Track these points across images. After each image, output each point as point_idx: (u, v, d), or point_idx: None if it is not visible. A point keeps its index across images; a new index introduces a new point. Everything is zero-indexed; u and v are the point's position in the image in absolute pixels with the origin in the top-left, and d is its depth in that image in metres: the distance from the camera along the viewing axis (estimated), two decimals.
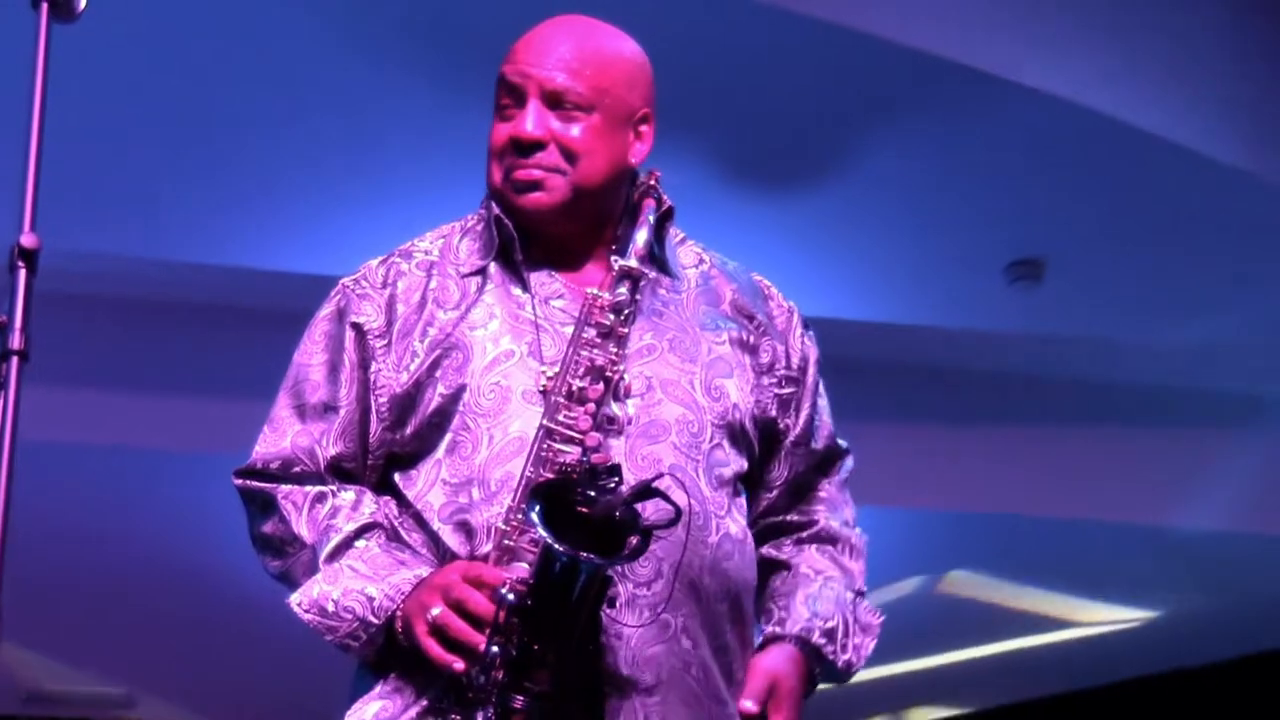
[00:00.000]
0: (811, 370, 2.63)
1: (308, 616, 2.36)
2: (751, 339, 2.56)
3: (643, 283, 2.45)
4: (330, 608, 2.35)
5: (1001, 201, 5.93)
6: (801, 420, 2.60)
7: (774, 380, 2.57)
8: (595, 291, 2.39)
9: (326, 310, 2.54)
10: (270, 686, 8.28)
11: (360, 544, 2.38)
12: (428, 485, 2.41)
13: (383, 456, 2.48)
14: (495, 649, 2.20)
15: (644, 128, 2.56)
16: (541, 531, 2.17)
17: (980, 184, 5.81)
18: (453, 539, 2.36)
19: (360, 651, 2.35)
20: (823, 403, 2.65)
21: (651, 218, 2.44)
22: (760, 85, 5.28)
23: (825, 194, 5.77)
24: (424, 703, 2.31)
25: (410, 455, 2.45)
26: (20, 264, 2.09)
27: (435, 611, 2.25)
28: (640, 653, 2.31)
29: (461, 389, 2.40)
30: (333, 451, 2.46)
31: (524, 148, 2.45)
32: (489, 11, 4.88)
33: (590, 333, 2.36)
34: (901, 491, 6.84)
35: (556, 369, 2.37)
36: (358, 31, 4.98)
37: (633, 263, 2.38)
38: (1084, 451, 7.19)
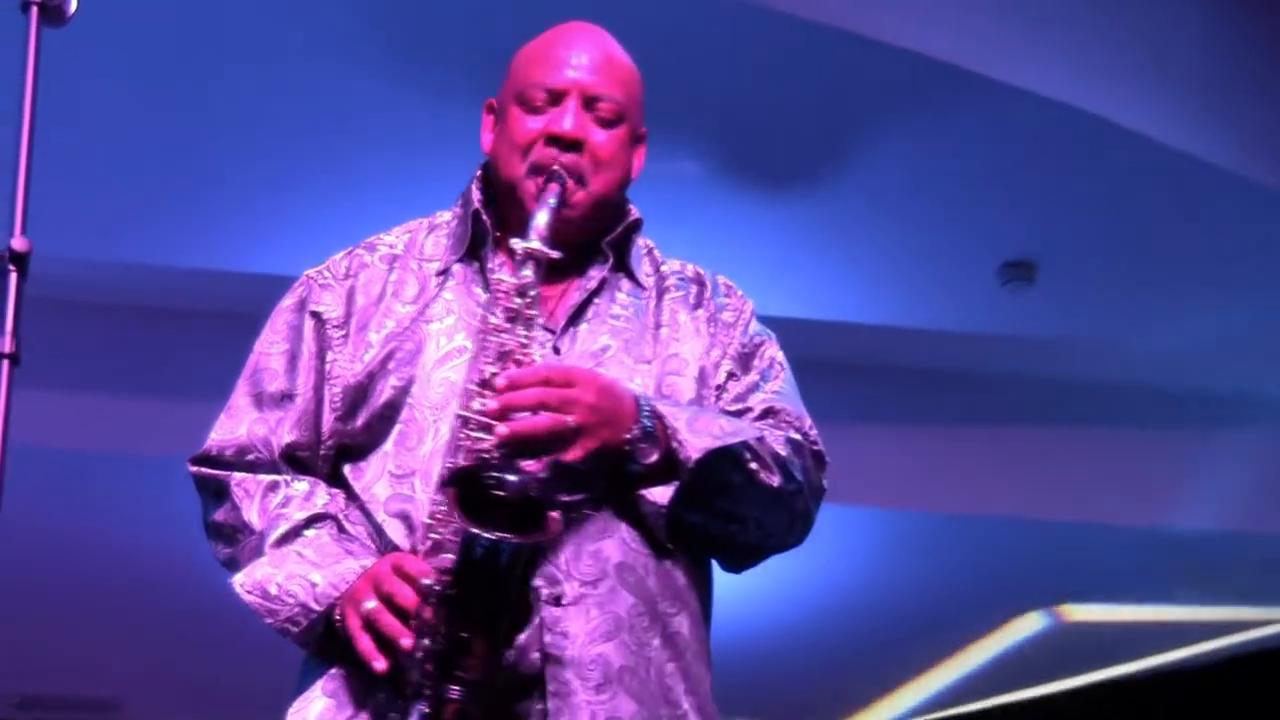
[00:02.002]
0: (761, 353, 2.60)
1: (250, 598, 2.37)
2: (710, 338, 2.56)
3: (605, 287, 2.50)
4: (273, 590, 2.35)
5: (993, 204, 5.94)
6: (738, 390, 2.55)
7: (720, 368, 2.55)
8: (501, 277, 2.40)
9: (289, 300, 2.57)
10: (258, 691, 8.27)
11: (310, 533, 2.38)
12: (375, 477, 2.42)
13: (334, 447, 2.48)
14: (424, 642, 2.20)
15: (642, 147, 2.59)
16: (456, 517, 2.19)
17: (972, 186, 5.82)
18: (396, 531, 2.37)
19: (299, 638, 2.35)
20: (773, 382, 2.59)
21: (552, 200, 2.42)
22: (755, 88, 5.29)
23: (818, 197, 5.78)
24: (369, 707, 2.30)
25: (360, 447, 2.46)
26: (11, 268, 2.09)
27: (369, 605, 2.24)
28: (588, 651, 2.30)
29: (411, 381, 2.41)
30: (288, 439, 2.47)
31: (564, 144, 2.46)
32: (468, 12, 4.90)
33: (498, 318, 2.35)
34: (893, 493, 6.85)
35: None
36: (343, 32, 4.98)
37: (534, 244, 2.37)
38: (1076, 453, 7.19)
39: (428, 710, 2.19)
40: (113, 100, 5.17)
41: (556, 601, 2.30)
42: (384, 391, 2.43)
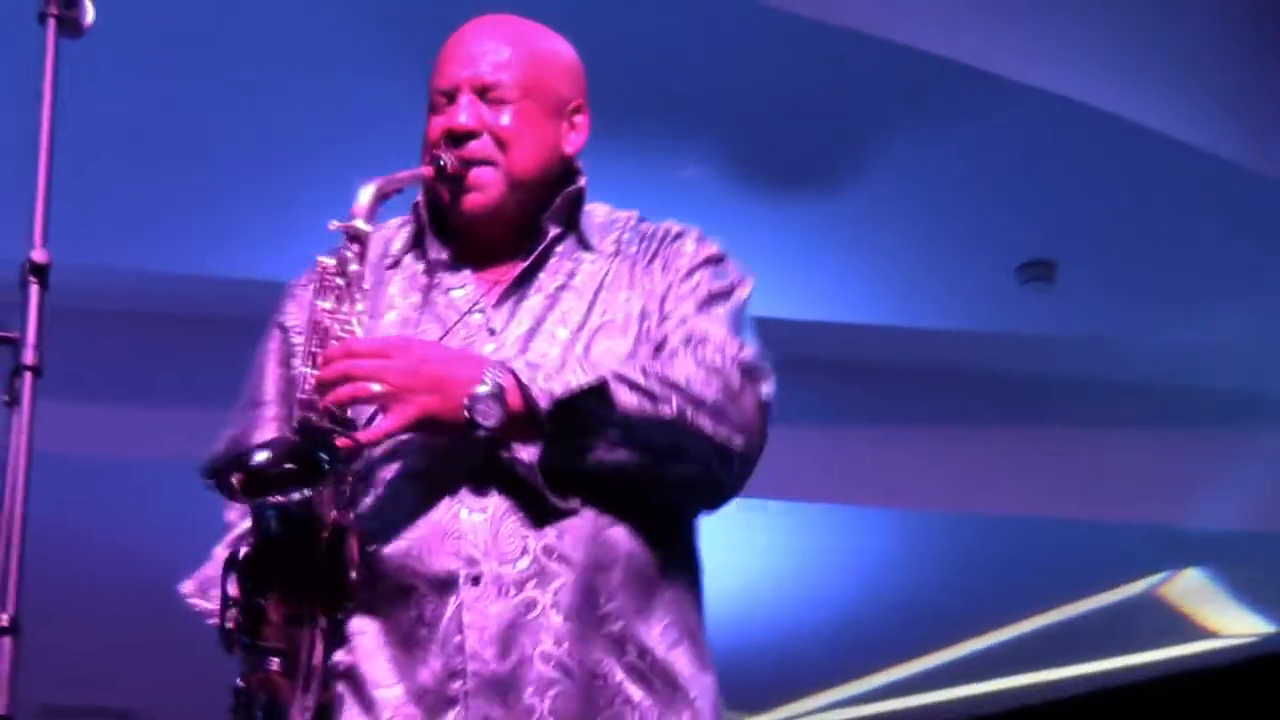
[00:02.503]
0: (706, 288, 2.50)
1: (191, 600, 2.45)
2: (656, 280, 2.51)
3: (551, 258, 2.49)
4: (212, 592, 2.35)
5: (1013, 203, 5.93)
6: (670, 322, 2.46)
7: (664, 303, 2.49)
8: (322, 259, 2.41)
9: (275, 313, 2.60)
10: None
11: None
12: None
13: None
14: (232, 614, 2.22)
15: (578, 118, 2.57)
16: (231, 498, 2.25)
17: (991, 186, 5.82)
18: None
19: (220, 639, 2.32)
20: (704, 312, 2.47)
21: (398, 178, 2.48)
22: (774, 89, 5.29)
23: (838, 197, 5.78)
24: None
25: None
26: (32, 279, 2.10)
27: None
28: (501, 631, 2.27)
29: None
30: (254, 442, 2.46)
31: (458, 138, 2.47)
32: (465, 11, 4.90)
33: (323, 299, 2.37)
34: (915, 494, 6.84)
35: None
36: (366, 38, 5.00)
37: (359, 224, 2.40)
38: (1097, 452, 7.18)
39: (241, 684, 2.23)
40: (132, 107, 5.19)
41: (475, 581, 2.28)
42: None
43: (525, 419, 2.28)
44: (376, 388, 2.26)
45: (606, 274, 2.51)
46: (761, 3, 4.83)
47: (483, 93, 2.49)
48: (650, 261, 2.53)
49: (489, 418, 2.26)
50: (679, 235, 2.56)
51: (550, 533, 2.31)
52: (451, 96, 2.50)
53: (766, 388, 2.42)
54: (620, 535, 2.36)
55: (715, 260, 2.54)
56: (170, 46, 4.97)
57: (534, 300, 2.47)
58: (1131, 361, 6.95)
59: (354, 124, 5.38)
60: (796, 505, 6.62)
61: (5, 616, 1.95)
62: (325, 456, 2.20)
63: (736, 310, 2.50)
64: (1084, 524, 7.31)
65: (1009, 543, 7.60)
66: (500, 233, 2.50)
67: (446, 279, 2.50)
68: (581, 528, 2.33)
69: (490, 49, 2.52)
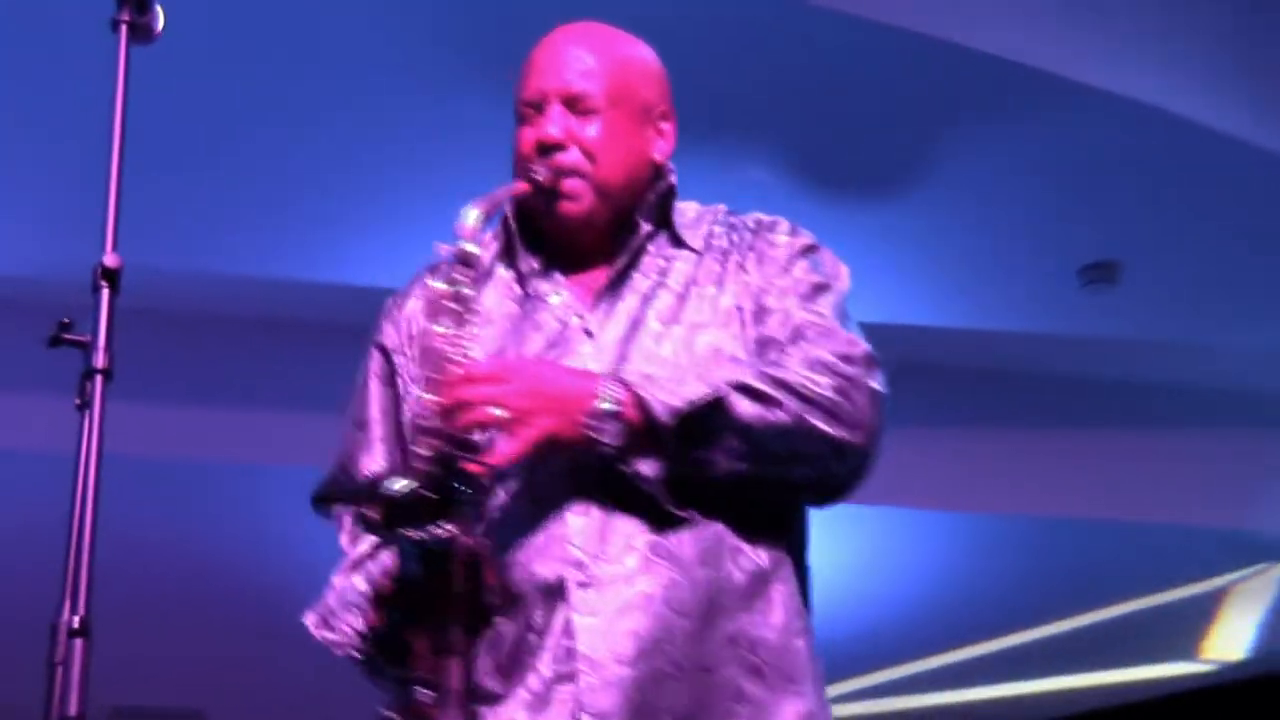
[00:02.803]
0: (808, 284, 2.50)
1: (316, 632, 2.41)
2: (754, 273, 2.51)
3: (644, 257, 2.50)
4: (334, 621, 2.38)
5: (1075, 205, 5.91)
6: (774, 319, 2.47)
7: (765, 299, 2.49)
8: (431, 282, 2.42)
9: (373, 334, 2.60)
10: (344, 702, 8.32)
11: (383, 556, 2.38)
12: None
13: None
14: (366, 650, 2.25)
15: (665, 124, 2.58)
16: (377, 528, 2.21)
17: (1053, 188, 5.80)
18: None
19: (364, 667, 2.36)
20: (810, 307, 2.47)
21: (498, 197, 2.46)
22: (836, 92, 5.29)
23: (900, 200, 5.77)
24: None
25: None
26: (103, 284, 2.11)
27: None
28: (612, 633, 2.27)
29: None
30: (370, 468, 2.49)
31: (547, 149, 2.47)
32: (541, 23, 4.92)
33: (439, 325, 2.35)
34: (979, 497, 6.83)
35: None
36: (423, 41, 5.01)
37: (467, 247, 2.38)
38: (1161, 455, 7.15)
39: (388, 715, 2.22)
40: (203, 113, 5.22)
41: (584, 585, 2.29)
42: None
43: (644, 433, 2.29)
44: (499, 412, 2.25)
45: (699, 269, 2.52)
46: (823, 7, 4.83)
47: (571, 103, 2.50)
48: (744, 254, 2.53)
49: (610, 435, 2.28)
50: (771, 226, 2.58)
51: (656, 528, 2.32)
52: (539, 107, 2.51)
53: (879, 379, 2.40)
54: (729, 531, 2.36)
55: (811, 250, 2.55)
56: (238, 56, 5.00)
57: (629, 301, 2.48)
58: (1194, 364, 6.92)
59: (415, 135, 5.41)
60: (855, 508, 6.61)
61: (77, 619, 1.96)
62: (461, 487, 2.21)
63: (840, 302, 2.50)
64: (1147, 527, 7.29)
65: (1072, 546, 7.58)
66: (592, 238, 2.51)
67: (540, 286, 2.51)
68: (689, 524, 2.33)
69: (576, 58, 2.53)
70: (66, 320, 2.10)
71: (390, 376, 2.53)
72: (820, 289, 2.49)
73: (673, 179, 2.57)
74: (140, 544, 6.79)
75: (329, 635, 2.38)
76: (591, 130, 2.49)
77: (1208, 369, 6.95)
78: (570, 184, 2.47)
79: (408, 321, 2.54)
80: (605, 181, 2.48)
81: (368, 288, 5.89)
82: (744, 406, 2.30)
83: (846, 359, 2.38)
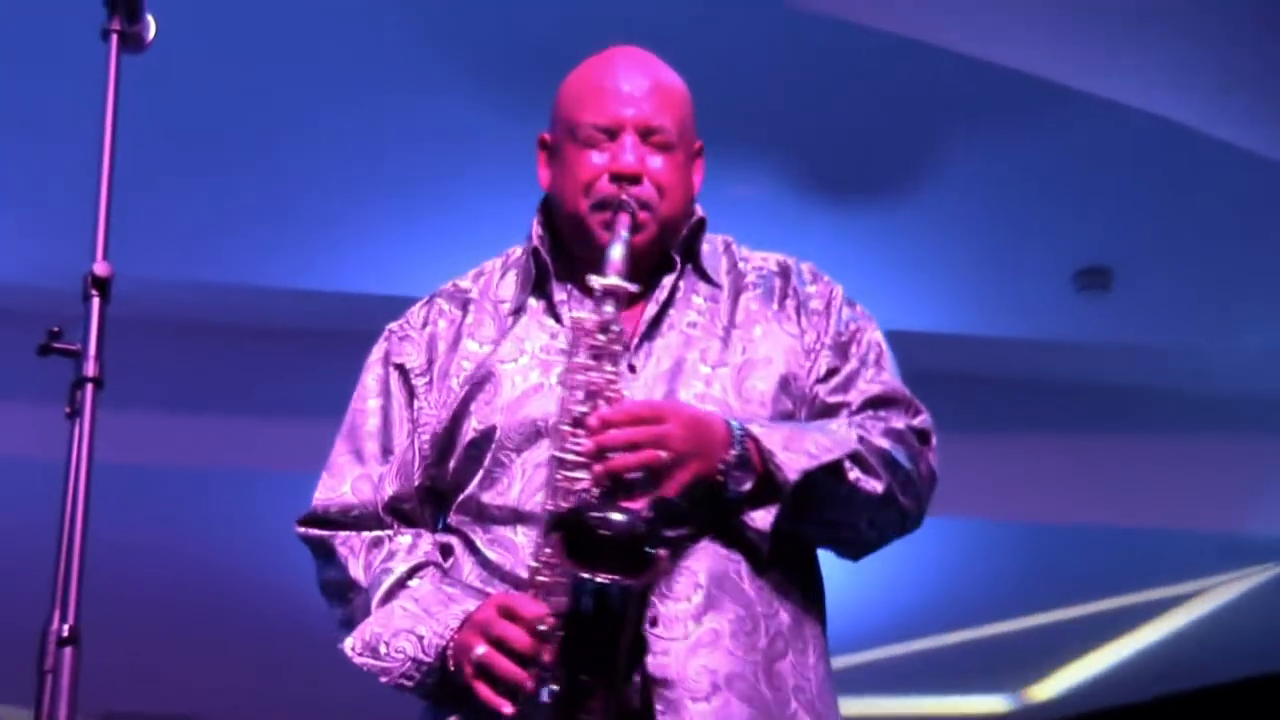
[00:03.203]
0: (858, 339, 2.58)
1: (360, 660, 2.37)
2: (794, 324, 2.55)
3: (678, 294, 2.51)
4: (382, 649, 2.35)
5: (1069, 210, 5.92)
6: (838, 379, 2.54)
7: (816, 357, 2.54)
8: (580, 315, 2.40)
9: (375, 356, 2.59)
10: (342, 707, 8.31)
11: (413, 583, 2.40)
12: (476, 520, 2.44)
13: (429, 493, 2.51)
14: (546, 687, 2.20)
15: (700, 159, 2.61)
16: (564, 562, 2.19)
17: (1047, 193, 5.81)
18: (494, 570, 2.39)
19: (415, 690, 2.35)
20: (872, 368, 2.56)
21: (624, 233, 2.43)
22: (833, 99, 5.29)
23: (895, 206, 5.78)
24: None
25: (452, 489, 2.48)
26: (94, 292, 2.11)
27: (479, 651, 2.24)
28: (691, 664, 2.30)
29: (492, 428, 2.43)
30: (389, 492, 2.49)
31: (627, 179, 2.47)
32: (553, 34, 4.92)
33: (582, 357, 2.35)
34: (974, 502, 6.82)
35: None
36: (421, 50, 5.01)
37: (613, 280, 2.37)
38: (1155, 459, 7.15)
39: None
40: (194, 122, 5.22)
41: (653, 623, 2.30)
42: (467, 433, 2.45)
43: (762, 483, 2.33)
44: (664, 454, 2.27)
45: (731, 308, 2.54)
46: (822, 14, 4.83)
47: (645, 134, 2.50)
48: (780, 300, 2.57)
49: (742, 483, 2.32)
50: (800, 272, 2.61)
51: (718, 567, 2.35)
52: (613, 135, 2.50)
53: (934, 453, 2.52)
54: (781, 575, 2.41)
55: (847, 301, 2.61)
56: (229, 63, 5.01)
57: (670, 338, 2.49)
58: (1188, 369, 6.92)
59: (407, 144, 5.42)
60: None
61: (66, 626, 1.96)
62: (650, 540, 2.22)
63: (894, 361, 2.60)
64: (1140, 531, 7.29)
65: (1065, 551, 7.58)
66: (634, 271, 2.49)
67: (576, 316, 2.47)
68: (747, 563, 2.38)
69: (651, 90, 2.53)
70: (57, 329, 2.10)
71: (409, 398, 2.52)
72: (878, 350, 2.57)
73: (702, 213, 2.59)
74: (135, 551, 6.79)
75: (375, 663, 2.35)
76: (662, 164, 2.50)
77: (1201, 373, 6.95)
78: (641, 217, 2.48)
79: (430, 344, 2.53)
80: (669, 217, 2.51)
81: (358, 294, 5.97)
82: (854, 473, 2.38)
83: (921, 435, 2.51)
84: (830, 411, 2.50)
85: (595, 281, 2.38)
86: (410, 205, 5.71)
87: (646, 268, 2.51)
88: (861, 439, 2.40)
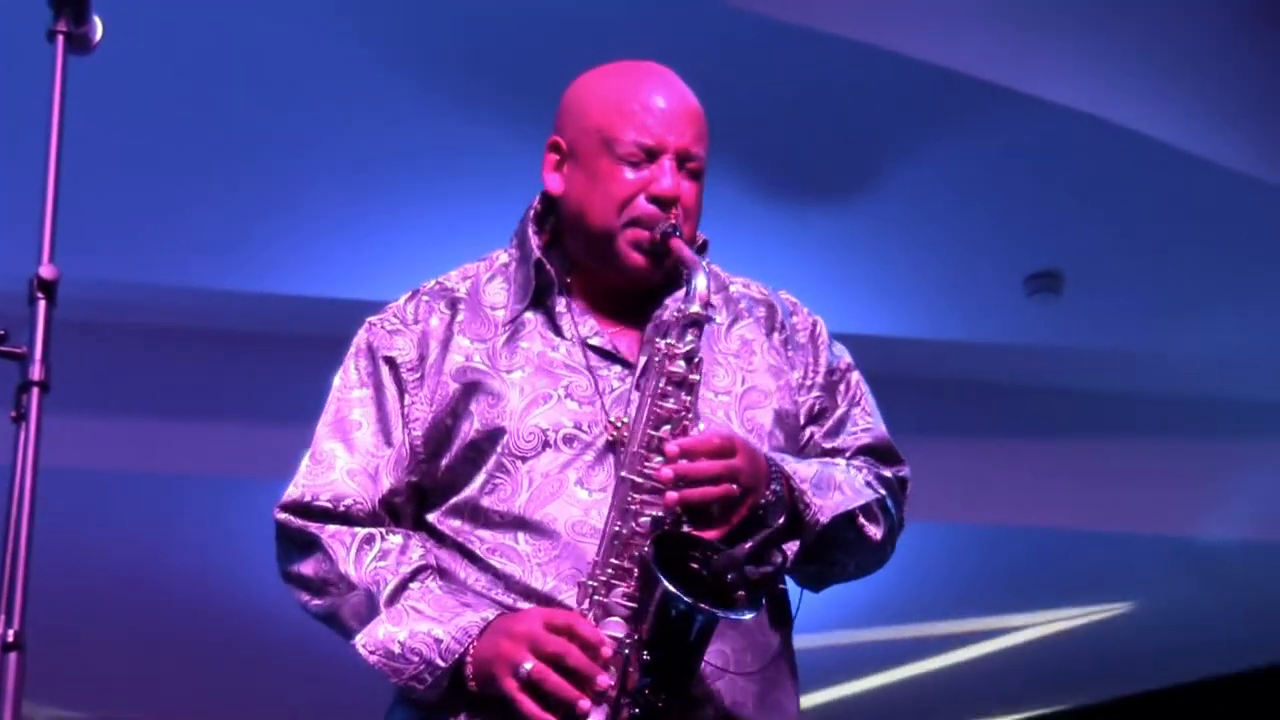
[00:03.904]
0: (847, 380, 2.66)
1: (374, 659, 2.36)
2: (783, 358, 2.60)
3: (708, 326, 2.51)
4: (396, 649, 2.35)
5: (1020, 214, 5.94)
6: (829, 424, 2.61)
7: (806, 395, 2.60)
8: (667, 340, 2.41)
9: (358, 346, 2.58)
10: (294, 710, 8.29)
11: (415, 586, 2.39)
12: (470, 523, 2.44)
13: (416, 490, 2.50)
14: (605, 707, 2.24)
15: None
16: (668, 586, 2.21)
17: (998, 197, 5.82)
18: (501, 578, 2.39)
19: (425, 693, 2.35)
20: (861, 408, 2.65)
21: (706, 262, 2.47)
22: (784, 104, 5.30)
23: (846, 210, 5.78)
24: None
25: (442, 489, 2.48)
26: (40, 295, 2.10)
27: (528, 666, 2.25)
28: (694, 690, 2.34)
29: (498, 431, 2.43)
30: (387, 485, 2.48)
31: (665, 204, 2.49)
32: (520, 38, 4.92)
33: (661, 382, 2.38)
34: (922, 505, 6.82)
35: (626, 419, 2.42)
36: (376, 52, 5.01)
37: (697, 308, 2.40)
38: (1105, 463, 7.18)
39: None
40: (141, 122, 5.20)
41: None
42: (467, 434, 2.45)
43: (790, 524, 2.40)
44: (735, 488, 2.32)
45: (727, 335, 2.58)
46: (771, 19, 4.84)
47: (682, 160, 2.52)
48: (768, 332, 2.61)
49: (777, 519, 2.38)
50: (781, 304, 2.66)
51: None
52: (654, 156, 2.51)
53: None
54: (770, 605, 2.48)
55: (830, 338, 2.67)
56: (193, 66, 4.99)
57: None
58: (1137, 373, 6.95)
59: (371, 150, 5.41)
60: None
61: (11, 632, 1.94)
62: (741, 578, 2.26)
63: (871, 397, 2.69)
64: (1089, 535, 7.32)
65: (1015, 554, 7.60)
66: (640, 292, 2.54)
67: (577, 330, 2.51)
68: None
69: (693, 117, 2.57)
70: (2, 332, 2.09)
71: (400, 393, 2.51)
72: (859, 392, 2.65)
73: (704, 236, 2.62)
74: (84, 555, 6.76)
75: (388, 663, 2.35)
76: (690, 190, 2.53)
77: (1152, 377, 6.98)
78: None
79: (422, 340, 2.53)
80: (688, 239, 2.53)
81: (319, 299, 5.94)
82: (862, 519, 2.48)
83: (902, 485, 2.62)
84: (825, 455, 2.56)
85: (679, 308, 2.42)
86: (374, 212, 5.70)
87: (650, 288, 2.53)
88: (872, 489, 2.50)
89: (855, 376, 2.66)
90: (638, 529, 2.31)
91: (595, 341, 2.50)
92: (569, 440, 2.42)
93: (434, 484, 2.49)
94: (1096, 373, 7.00)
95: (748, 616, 2.24)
